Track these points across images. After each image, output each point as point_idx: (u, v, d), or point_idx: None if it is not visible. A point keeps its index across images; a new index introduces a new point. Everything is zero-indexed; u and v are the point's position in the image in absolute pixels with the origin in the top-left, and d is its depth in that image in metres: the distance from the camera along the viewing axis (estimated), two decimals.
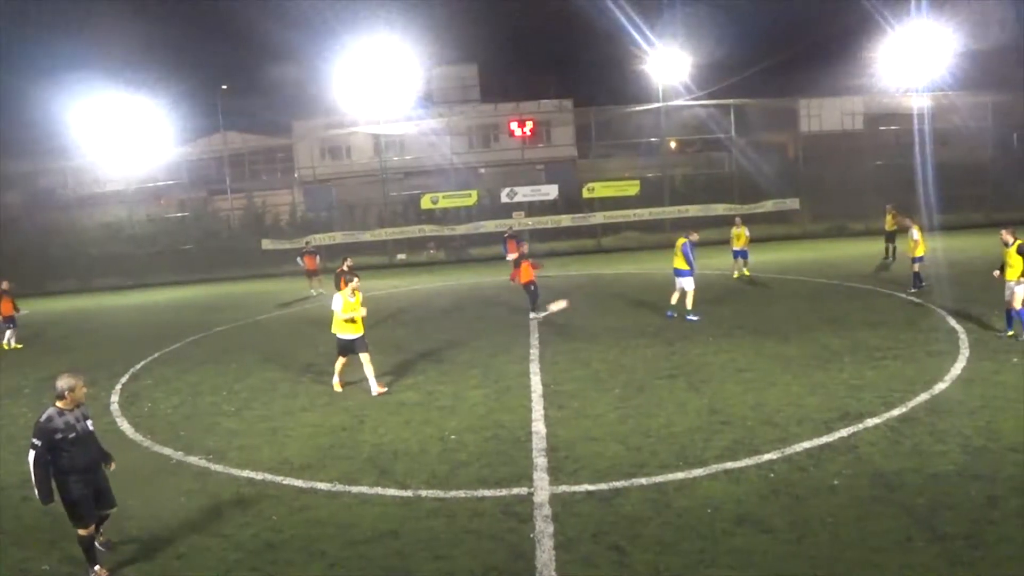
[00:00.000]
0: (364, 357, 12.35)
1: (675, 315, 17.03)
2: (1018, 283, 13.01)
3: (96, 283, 37.86)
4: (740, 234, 23.16)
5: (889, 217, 24.72)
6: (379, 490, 8.37)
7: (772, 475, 8.07)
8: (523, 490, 8.03)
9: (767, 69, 39.03)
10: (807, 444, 8.82)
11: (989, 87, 37.91)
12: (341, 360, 12.75)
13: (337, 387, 12.79)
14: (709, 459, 8.51)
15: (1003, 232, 13.64)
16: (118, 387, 14.30)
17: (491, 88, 46.68)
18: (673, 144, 46.18)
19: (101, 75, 37.70)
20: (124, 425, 11.68)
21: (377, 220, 41.49)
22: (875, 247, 25.40)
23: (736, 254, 23.31)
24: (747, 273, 23.26)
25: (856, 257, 26.29)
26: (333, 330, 12.52)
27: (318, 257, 27.79)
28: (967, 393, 10.55)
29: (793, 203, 38.22)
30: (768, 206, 37.67)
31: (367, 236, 39.42)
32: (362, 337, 12.47)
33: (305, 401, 12.43)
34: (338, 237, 38.86)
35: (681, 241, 17.06)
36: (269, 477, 8.96)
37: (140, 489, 8.61)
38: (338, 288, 17.98)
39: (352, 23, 38.13)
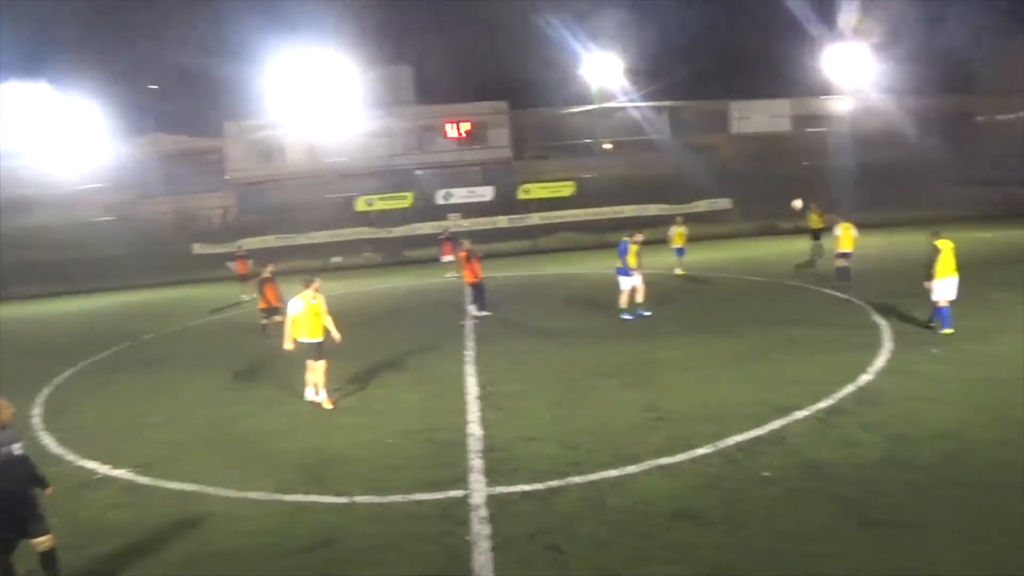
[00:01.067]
0: (322, 365, 11.67)
1: (639, 315, 16.93)
2: (938, 279, 13.54)
3: (14, 291, 36.28)
4: (681, 233, 23.73)
5: (815, 216, 25.44)
6: (315, 498, 8.20)
7: (706, 469, 8.19)
8: (459, 492, 7.97)
9: (700, 73, 39.92)
10: (739, 438, 8.98)
11: (907, 91, 39.52)
12: (315, 366, 11.70)
13: (327, 403, 11.67)
14: (645, 456, 8.58)
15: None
16: (40, 400, 13.72)
17: (426, 90, 46.49)
18: (609, 145, 46.71)
19: (19, 70, 36.24)
20: (47, 439, 11.20)
21: (312, 223, 40.88)
22: (803, 245, 26.10)
23: (677, 251, 24.00)
24: (680, 272, 23.72)
25: (785, 255, 26.96)
26: (295, 336, 11.65)
27: (251, 262, 27.18)
28: (891, 384, 10.91)
29: (725, 203, 39.06)
30: (701, 206, 38.43)
31: (302, 239, 38.82)
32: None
33: (237, 409, 12.12)
34: (272, 241, 38.15)
35: (624, 240, 17.12)
36: (200, 488, 8.68)
37: (63, 505, 8.24)
38: (262, 295, 17.71)
39: (285, 24, 37.63)
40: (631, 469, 8.27)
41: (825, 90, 42.29)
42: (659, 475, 8.12)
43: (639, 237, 17.16)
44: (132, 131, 41.90)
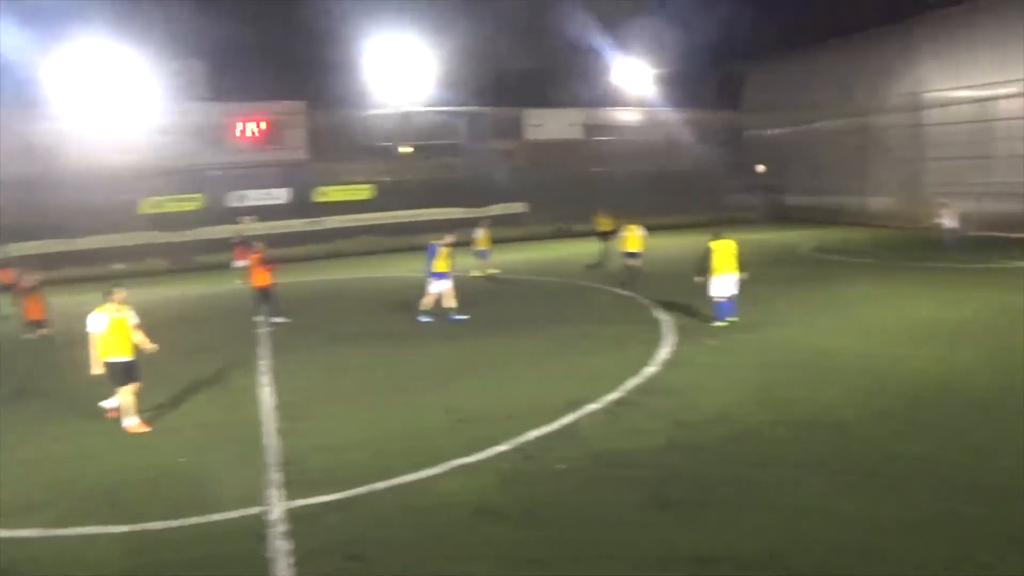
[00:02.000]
0: (134, 387, 10.55)
1: (451, 320, 16.88)
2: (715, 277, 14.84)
3: None
4: (485, 236, 24.24)
5: (604, 220, 26.97)
6: (104, 528, 7.45)
7: (505, 466, 8.42)
8: (258, 509, 7.63)
9: (498, 81, 41.00)
10: (536, 433, 9.31)
11: (688, 105, 43.11)
12: (124, 390, 10.53)
13: (141, 427, 10.47)
14: (447, 457, 8.66)
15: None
16: None
17: (221, 87, 43.94)
18: (408, 149, 46.69)
19: None
20: None
21: (92, 226, 37.37)
22: (594, 247, 27.53)
23: (480, 254, 24.46)
24: (478, 274, 24.20)
25: (577, 256, 28.30)
26: (102, 356, 10.45)
27: (18, 270, 24.32)
28: (673, 374, 11.82)
29: (520, 207, 40.35)
30: (498, 209, 39.38)
31: (80, 244, 35.40)
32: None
33: (13, 436, 10.66)
34: (45, 246, 34.45)
35: (434, 243, 17.06)
36: None
37: None
38: (25, 306, 16.02)
39: (68, 12, 34.04)
40: (434, 471, 8.32)
41: (614, 101, 44.97)
42: (461, 475, 8.24)
43: (448, 240, 17.12)
44: None
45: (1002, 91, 31.97)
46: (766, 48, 44.54)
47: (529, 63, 42.83)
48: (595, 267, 25.19)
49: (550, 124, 44.82)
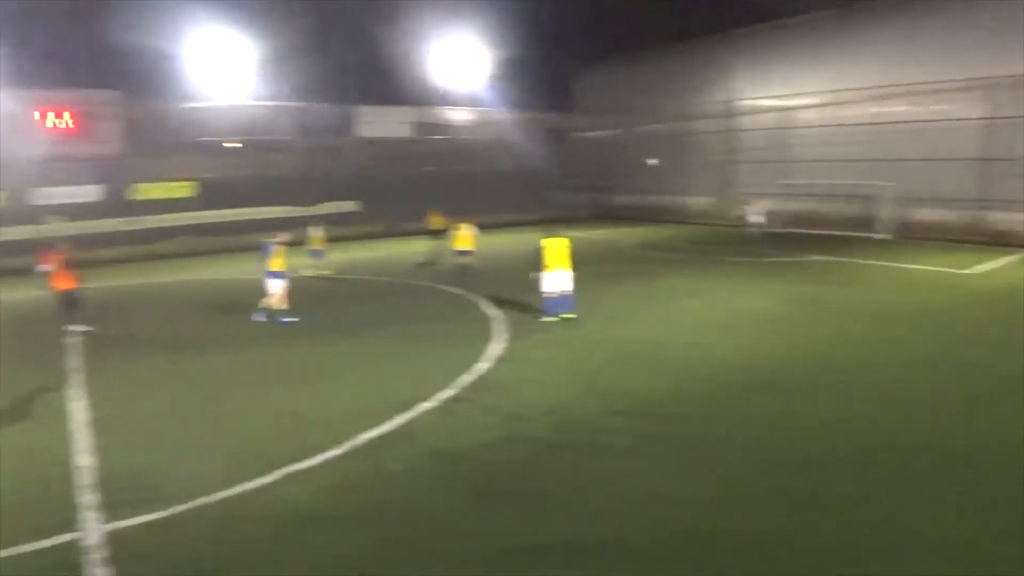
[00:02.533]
0: None
1: (280, 322, 16.40)
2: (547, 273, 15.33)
3: None
4: (320, 236, 23.90)
5: (436, 218, 27.12)
6: None
7: (340, 470, 8.35)
8: (72, 535, 7.11)
9: (329, 76, 40.04)
10: (370, 435, 9.31)
11: (520, 106, 44.11)
12: None
13: None
14: (278, 464, 8.46)
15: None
16: None
17: (25, 75, 39.96)
18: (234, 144, 44.67)
19: None
20: None
21: None
22: (426, 246, 27.61)
23: (314, 253, 23.97)
24: (311, 273, 23.72)
25: (410, 255, 28.26)
26: None
27: None
28: (506, 370, 12.15)
29: (352, 205, 39.75)
30: (329, 208, 38.56)
31: None
32: None
33: None
34: None
35: (268, 241, 16.64)
36: None
37: None
38: None
39: None
40: (265, 480, 8.12)
41: (446, 101, 45.17)
42: (294, 482, 8.09)
43: (283, 238, 16.80)
44: None
45: (800, 102, 35.32)
46: (594, 53, 46.55)
47: (362, 59, 42.15)
48: (427, 266, 25.29)
49: (382, 122, 44.38)
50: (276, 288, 16.43)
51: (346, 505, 7.53)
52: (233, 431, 9.85)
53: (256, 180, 40.28)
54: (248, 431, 9.81)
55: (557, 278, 15.38)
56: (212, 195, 37.85)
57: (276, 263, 16.33)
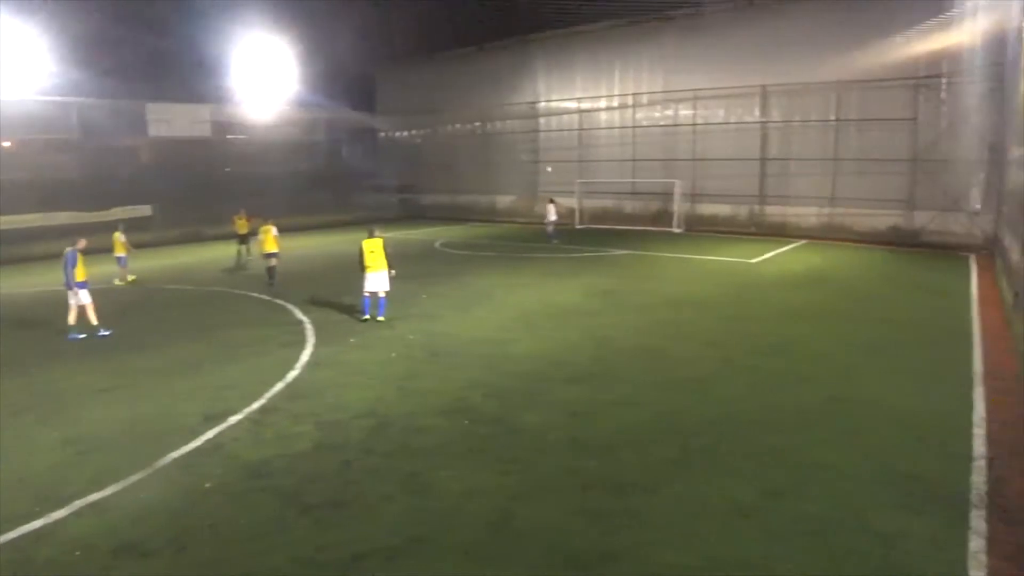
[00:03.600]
0: None
1: (73, 338, 15.12)
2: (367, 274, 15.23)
3: None
4: (121, 242, 22.43)
5: (242, 221, 26.09)
6: None
7: (144, 495, 7.86)
8: None
9: (116, 70, 37.04)
10: (176, 454, 8.83)
11: (324, 106, 43.09)
12: None
13: None
14: (73, 496, 7.82)
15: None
16: None
17: None
18: (7, 144, 40.26)
19: None
20: None
21: None
22: (230, 251, 26.47)
23: (118, 260, 22.48)
24: (121, 283, 22.39)
25: (213, 261, 27.00)
26: None
27: None
28: (317, 376, 11.96)
29: (145, 209, 37.20)
30: (118, 213, 35.80)
31: None
32: None
33: None
34: None
35: (71, 249, 15.26)
36: None
37: None
38: None
39: None
40: (59, 514, 7.45)
41: (247, 99, 43.22)
42: (93, 513, 7.50)
43: (82, 244, 15.53)
44: None
45: (599, 104, 37.30)
46: (398, 53, 46.42)
47: (155, 54, 39.37)
48: (236, 271, 24.29)
49: (178, 120, 41.71)
50: (86, 299, 15.23)
51: (152, 533, 7.07)
52: (13, 464, 8.87)
53: (33, 183, 36.62)
54: (30, 463, 8.87)
55: (374, 279, 15.36)
56: None
57: (82, 272, 15.15)
